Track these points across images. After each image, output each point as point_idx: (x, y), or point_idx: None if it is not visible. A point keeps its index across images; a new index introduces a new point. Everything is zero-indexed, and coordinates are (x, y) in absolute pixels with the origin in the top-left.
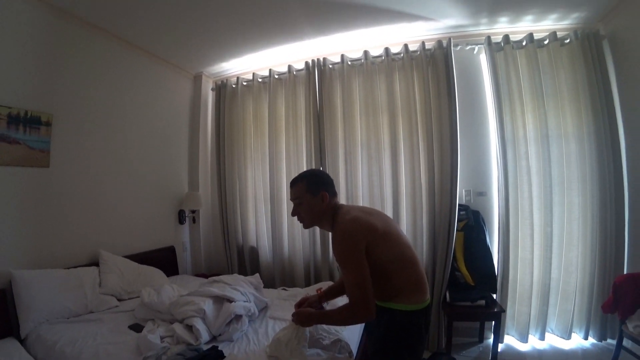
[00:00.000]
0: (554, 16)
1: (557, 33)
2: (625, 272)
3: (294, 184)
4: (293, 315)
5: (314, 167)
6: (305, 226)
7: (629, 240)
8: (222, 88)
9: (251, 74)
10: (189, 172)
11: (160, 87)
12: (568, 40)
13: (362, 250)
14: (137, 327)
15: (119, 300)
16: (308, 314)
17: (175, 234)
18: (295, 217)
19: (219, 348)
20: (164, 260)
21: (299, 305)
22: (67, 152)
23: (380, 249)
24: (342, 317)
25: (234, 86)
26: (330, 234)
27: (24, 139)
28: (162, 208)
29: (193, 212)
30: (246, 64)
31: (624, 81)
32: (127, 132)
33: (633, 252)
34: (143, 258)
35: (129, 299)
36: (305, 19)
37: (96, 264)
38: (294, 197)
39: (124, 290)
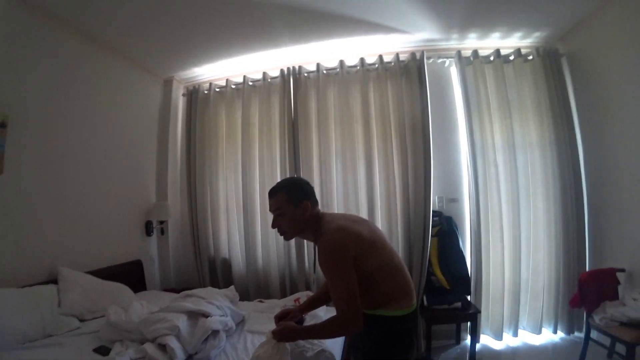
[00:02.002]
0: (518, 34)
1: (522, 50)
2: (587, 269)
3: (273, 194)
4: (274, 331)
5: (287, 176)
6: (287, 238)
7: (589, 239)
8: (194, 94)
9: (224, 80)
10: (157, 181)
11: (128, 90)
12: (531, 57)
13: (350, 261)
14: (103, 350)
15: (80, 320)
16: (291, 330)
17: (142, 247)
18: (275, 229)
19: None
20: (130, 275)
21: (279, 318)
22: (24, 156)
23: (367, 257)
24: (330, 330)
25: (206, 92)
26: (306, 242)
27: None
28: (127, 219)
29: (161, 223)
30: (219, 70)
31: (580, 95)
32: (91, 136)
33: (594, 250)
34: (107, 273)
35: (93, 319)
36: (282, 26)
37: (54, 282)
38: (274, 208)
39: (87, 309)
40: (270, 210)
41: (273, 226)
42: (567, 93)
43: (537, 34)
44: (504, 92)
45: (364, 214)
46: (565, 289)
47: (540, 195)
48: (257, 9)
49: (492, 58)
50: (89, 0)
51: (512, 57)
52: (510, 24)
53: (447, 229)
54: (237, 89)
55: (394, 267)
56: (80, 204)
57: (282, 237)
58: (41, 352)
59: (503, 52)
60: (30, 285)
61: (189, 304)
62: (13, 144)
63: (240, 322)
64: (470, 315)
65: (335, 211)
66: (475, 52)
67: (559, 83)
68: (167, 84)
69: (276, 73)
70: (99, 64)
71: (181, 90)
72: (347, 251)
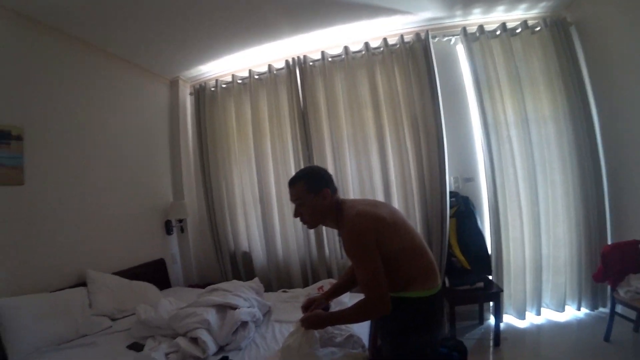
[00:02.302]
0: (524, 5)
1: (528, 22)
2: (609, 242)
3: (293, 183)
4: (302, 320)
5: (301, 166)
6: (310, 227)
7: (610, 211)
8: (201, 92)
9: (230, 76)
10: (172, 181)
11: (136, 95)
12: (538, 28)
13: (373, 244)
14: (136, 347)
15: (112, 320)
16: (319, 317)
17: (163, 246)
18: (297, 218)
19: (229, 358)
20: (155, 273)
21: (305, 308)
22: (43, 167)
23: (390, 240)
24: (358, 315)
25: (212, 89)
26: (325, 230)
27: None
28: (147, 220)
29: (180, 221)
30: (224, 66)
31: (592, 64)
32: (105, 142)
33: (615, 222)
34: (133, 273)
35: (123, 317)
36: (283, 17)
37: (83, 284)
38: (294, 198)
39: (117, 309)
40: (290, 200)
41: (295, 215)
42: (578, 62)
43: (543, 3)
44: (513, 67)
45: (379, 198)
46: (587, 263)
47: (557, 169)
48: (256, 2)
49: (498, 32)
50: (92, 15)
51: (519, 30)
52: None
53: (464, 209)
54: (243, 84)
55: (416, 249)
56: (101, 209)
57: (305, 225)
58: (77, 352)
59: (509, 25)
60: (61, 289)
61: (217, 298)
62: (31, 156)
63: (267, 313)
64: (493, 295)
65: (351, 196)
66: (480, 28)
67: (569, 53)
68: (174, 84)
69: (281, 64)
70: (106, 72)
71: (188, 89)
72: (370, 235)
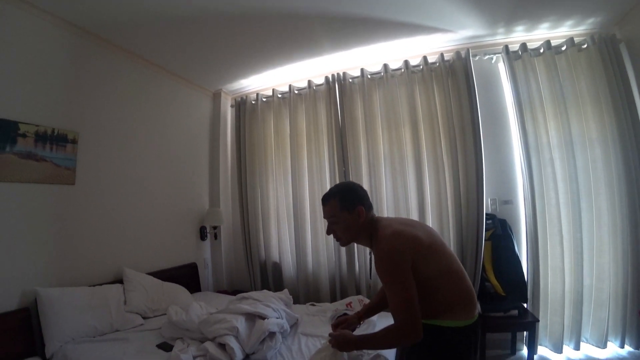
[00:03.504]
0: (569, 22)
1: (574, 39)
2: None
3: (326, 201)
4: (331, 337)
5: (337, 181)
6: (342, 244)
7: None
8: (242, 104)
9: (271, 90)
10: (209, 189)
11: (181, 105)
12: (585, 46)
13: (407, 267)
14: (165, 346)
15: (143, 318)
16: (348, 339)
17: (196, 251)
18: (330, 235)
19: None
20: (186, 277)
21: (336, 326)
22: (92, 169)
23: (426, 263)
24: (388, 341)
25: (253, 102)
26: (357, 246)
27: (50, 156)
28: (183, 225)
29: (214, 228)
30: (265, 80)
31: None
32: (149, 149)
33: None
34: (166, 275)
35: (154, 317)
36: (324, 35)
37: (120, 282)
38: (328, 215)
39: (149, 308)
40: (324, 217)
41: (328, 233)
42: (628, 81)
43: (591, 20)
44: (557, 86)
45: (414, 218)
46: (633, 297)
47: (603, 195)
48: (298, 19)
49: (542, 50)
50: (143, 29)
51: (564, 48)
52: (560, 11)
53: (501, 232)
54: (283, 98)
55: (453, 273)
56: (142, 211)
57: (338, 242)
58: (110, 346)
59: (554, 42)
60: (99, 285)
61: (247, 306)
62: (83, 159)
63: (294, 325)
64: (528, 324)
65: (386, 216)
66: (523, 45)
67: (618, 71)
68: (216, 96)
69: (321, 80)
70: (154, 83)
71: (229, 102)
72: (405, 257)
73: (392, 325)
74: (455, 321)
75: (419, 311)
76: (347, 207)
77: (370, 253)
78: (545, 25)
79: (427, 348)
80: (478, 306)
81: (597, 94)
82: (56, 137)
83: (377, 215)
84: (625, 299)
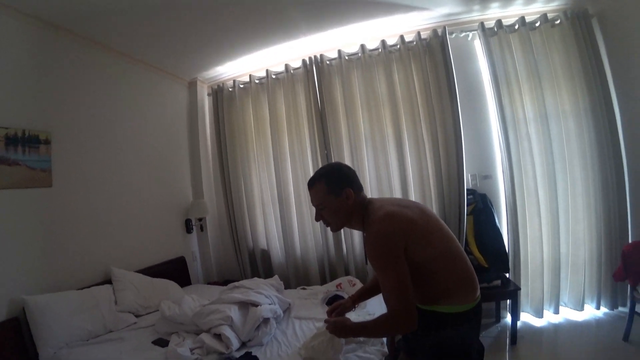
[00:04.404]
0: None
1: (548, 15)
2: (630, 241)
3: (312, 184)
4: (327, 323)
5: (320, 164)
6: (333, 230)
7: (631, 210)
8: (219, 92)
9: (248, 76)
10: (192, 180)
11: (156, 96)
12: (558, 21)
13: (400, 251)
14: (161, 342)
15: (136, 316)
16: (345, 326)
17: (184, 244)
18: (320, 220)
19: (252, 353)
20: (175, 271)
21: (331, 311)
22: (69, 169)
23: (422, 246)
24: (382, 329)
25: (230, 89)
26: (345, 228)
27: (23, 159)
28: (168, 219)
29: (200, 220)
30: (242, 66)
31: (615, 57)
32: (127, 144)
33: (636, 221)
34: (155, 271)
35: (147, 314)
36: (300, 16)
37: (109, 282)
38: (315, 200)
39: (141, 305)
40: (312, 203)
41: (317, 219)
42: (600, 56)
43: None
44: (532, 61)
45: (397, 196)
46: (607, 262)
47: (577, 166)
48: (273, 1)
49: (517, 26)
50: (112, 19)
51: (538, 24)
52: None
53: (482, 206)
54: (261, 84)
55: (452, 255)
56: (124, 209)
57: (329, 228)
58: (106, 347)
59: (528, 19)
60: (88, 287)
61: (239, 295)
62: (59, 159)
63: (287, 309)
64: (510, 293)
65: (369, 194)
66: (499, 22)
67: (590, 46)
68: (192, 85)
69: (298, 64)
70: (127, 75)
71: (206, 90)
72: (397, 240)
73: (386, 313)
74: (455, 306)
75: (413, 298)
76: (334, 191)
77: (364, 236)
78: (519, 1)
79: (427, 335)
80: (479, 288)
81: (570, 68)
82: (27, 138)
83: (369, 197)
84: (599, 263)
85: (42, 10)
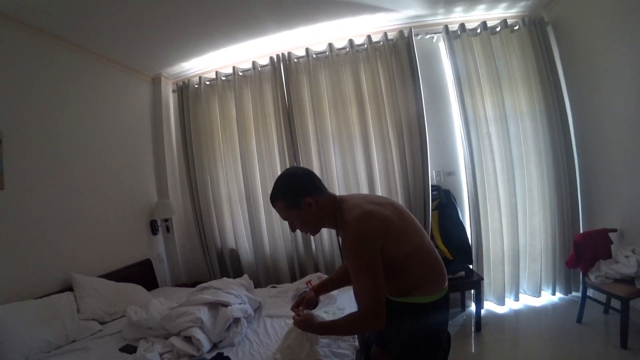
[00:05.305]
0: (503, 5)
1: (507, 21)
2: (581, 231)
3: (273, 202)
4: (295, 322)
5: (287, 162)
6: (313, 234)
7: (582, 203)
8: (184, 89)
9: (214, 73)
10: (156, 180)
11: (117, 93)
12: (517, 27)
13: (377, 251)
14: (129, 349)
15: (101, 323)
16: (312, 324)
17: (149, 246)
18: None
19: (224, 354)
20: (141, 274)
21: (296, 306)
22: (23, 170)
23: (397, 244)
24: (351, 327)
25: (196, 86)
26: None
27: None
28: (132, 220)
29: (166, 220)
30: (208, 63)
31: (567, 62)
32: (86, 143)
33: (587, 212)
34: (119, 275)
35: (112, 320)
36: (268, 14)
37: (70, 289)
38: (282, 217)
39: (105, 312)
40: (281, 217)
41: (292, 230)
42: (554, 61)
43: (522, 3)
44: (492, 64)
45: (364, 192)
46: (561, 251)
47: (533, 163)
48: None
49: (479, 30)
50: (69, 11)
51: (498, 29)
52: None
53: (446, 201)
54: (227, 81)
55: (424, 250)
56: (84, 211)
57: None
58: (69, 358)
59: (490, 23)
60: (47, 295)
61: (208, 296)
62: (10, 159)
63: (258, 308)
64: (474, 283)
65: (337, 191)
66: (462, 26)
67: (545, 51)
68: (156, 81)
69: (266, 61)
70: (86, 70)
71: (171, 87)
72: (375, 240)
73: (355, 312)
74: (428, 296)
75: (384, 298)
76: (294, 204)
77: (337, 235)
78: (481, 6)
79: (402, 325)
80: (447, 279)
81: (527, 71)
82: None
83: (339, 195)
84: (554, 252)
85: None
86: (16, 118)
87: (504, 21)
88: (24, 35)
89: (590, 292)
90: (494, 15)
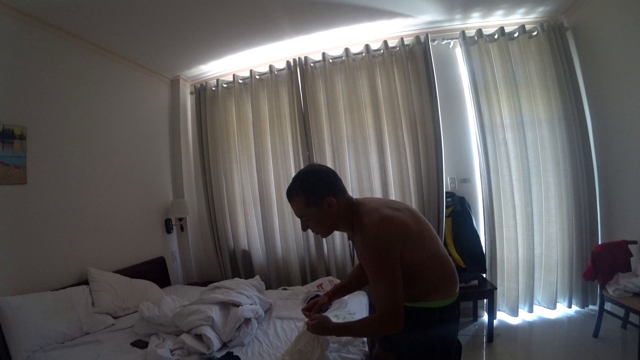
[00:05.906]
0: (522, 10)
1: (526, 26)
2: (600, 242)
3: (291, 197)
4: (308, 325)
5: (302, 165)
6: (323, 236)
7: (601, 213)
8: (202, 91)
9: (231, 76)
10: (172, 179)
11: (137, 94)
12: (535, 33)
13: (397, 256)
14: (140, 344)
15: (114, 318)
16: (326, 326)
17: (163, 244)
18: (306, 226)
19: (233, 353)
20: (155, 272)
21: (308, 309)
22: (45, 166)
23: (414, 250)
24: (368, 330)
25: (213, 89)
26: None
27: None
28: (148, 218)
29: (180, 219)
30: (226, 66)
31: (587, 68)
32: (106, 142)
33: (606, 223)
34: (133, 272)
35: (125, 315)
36: (286, 19)
37: (85, 283)
38: (297, 213)
39: (119, 307)
40: (295, 213)
41: (303, 229)
42: (573, 67)
43: (541, 8)
44: (510, 70)
45: (379, 197)
46: (578, 262)
47: (550, 171)
48: (259, 2)
49: (496, 36)
50: (93, 13)
51: (516, 34)
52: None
53: (460, 209)
54: (244, 84)
55: (439, 256)
56: (102, 207)
57: (319, 235)
58: (82, 350)
59: (507, 29)
60: (64, 288)
61: (220, 295)
62: (34, 155)
63: (268, 310)
64: (487, 293)
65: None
66: (479, 31)
67: (565, 57)
68: (174, 83)
69: (282, 65)
70: (108, 70)
71: (189, 89)
72: (394, 245)
73: (375, 315)
74: (441, 300)
75: (403, 302)
76: (314, 202)
77: (349, 239)
78: (499, 12)
79: (415, 329)
80: (458, 284)
81: (545, 78)
82: (2, 133)
83: (356, 198)
84: (571, 264)
85: (19, 0)
86: (40, 116)
87: (522, 27)
88: (48, 36)
89: (607, 306)
90: (512, 21)
